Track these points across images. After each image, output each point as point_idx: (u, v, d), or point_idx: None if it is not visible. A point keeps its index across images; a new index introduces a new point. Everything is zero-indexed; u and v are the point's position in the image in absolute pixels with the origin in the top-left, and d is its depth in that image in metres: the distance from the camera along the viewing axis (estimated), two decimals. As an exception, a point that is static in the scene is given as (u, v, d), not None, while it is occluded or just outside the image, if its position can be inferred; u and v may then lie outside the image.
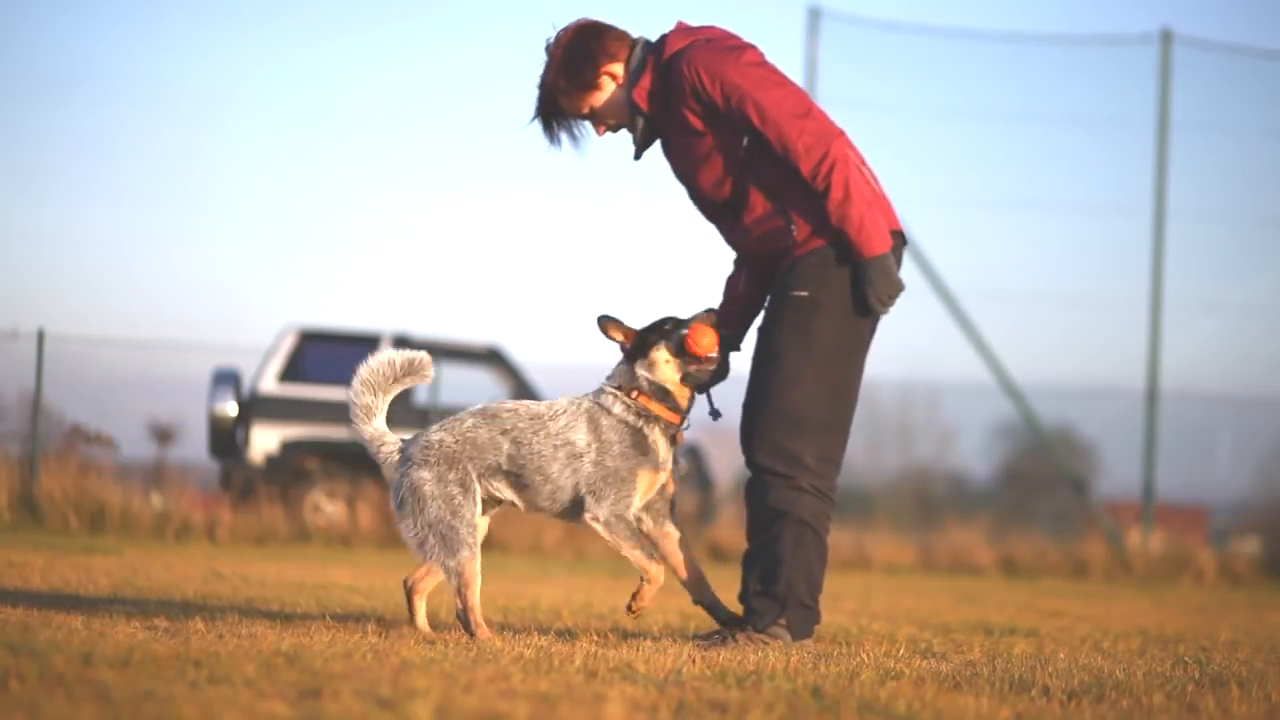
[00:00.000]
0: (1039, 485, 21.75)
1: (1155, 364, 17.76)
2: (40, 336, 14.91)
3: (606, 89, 5.30)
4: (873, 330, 5.33)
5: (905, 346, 18.98)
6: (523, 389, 16.19)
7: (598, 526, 5.04)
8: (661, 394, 5.10)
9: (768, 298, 5.39)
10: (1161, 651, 5.81)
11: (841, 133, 5.26)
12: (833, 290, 5.21)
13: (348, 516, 15.52)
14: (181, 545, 13.51)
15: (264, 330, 19.87)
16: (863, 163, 5.30)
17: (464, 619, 4.99)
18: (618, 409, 5.08)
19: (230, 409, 15.82)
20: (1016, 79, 19.40)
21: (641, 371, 5.11)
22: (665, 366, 5.12)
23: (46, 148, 31.66)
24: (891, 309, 5.25)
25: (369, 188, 34.26)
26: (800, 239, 5.22)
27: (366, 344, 16.42)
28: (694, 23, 5.39)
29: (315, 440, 15.93)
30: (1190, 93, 18.04)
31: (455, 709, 3.32)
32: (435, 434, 5.10)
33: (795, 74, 18.00)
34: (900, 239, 5.34)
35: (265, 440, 15.83)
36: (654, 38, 5.35)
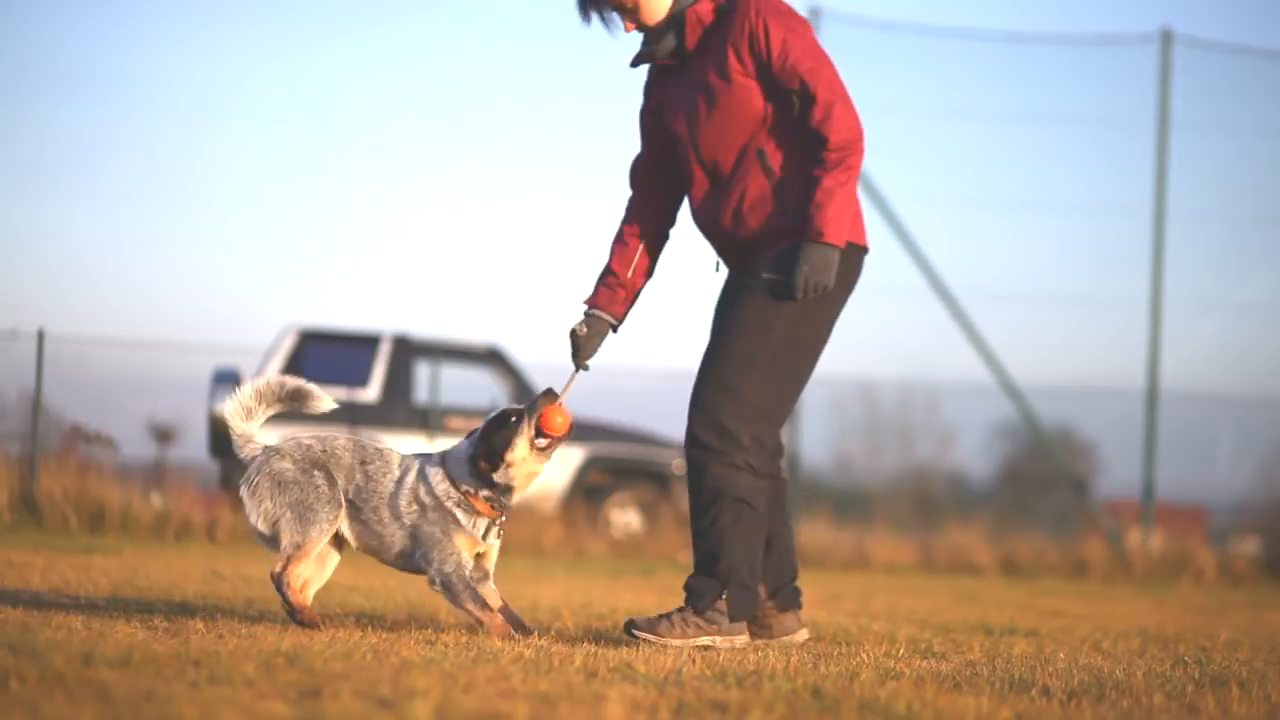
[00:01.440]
0: (1039, 485, 21.76)
1: (1155, 364, 17.77)
2: (40, 336, 14.91)
3: None
4: (830, 331, 5.31)
5: (905, 346, 18.99)
6: (523, 389, 16.19)
7: (436, 589, 5.14)
8: (503, 492, 5.14)
9: (734, 278, 5.34)
10: (1161, 651, 5.81)
11: None
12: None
13: (348, 516, 15.50)
14: (181, 545, 13.51)
15: (264, 330, 19.88)
16: None
17: (278, 581, 5.13)
18: (440, 489, 5.14)
19: (230, 409, 15.82)
20: (1016, 79, 19.40)
21: (498, 478, 5.12)
22: (523, 463, 5.13)
23: (47, 148, 31.68)
24: (802, 298, 5.16)
25: (369, 188, 34.27)
26: (784, 231, 5.20)
27: (367, 344, 16.44)
28: None
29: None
30: (1190, 93, 18.04)
31: (455, 709, 3.32)
32: (306, 439, 5.30)
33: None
34: (863, 253, 5.36)
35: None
36: None
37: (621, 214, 5.50)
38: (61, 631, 4.54)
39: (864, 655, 4.97)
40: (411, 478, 5.16)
